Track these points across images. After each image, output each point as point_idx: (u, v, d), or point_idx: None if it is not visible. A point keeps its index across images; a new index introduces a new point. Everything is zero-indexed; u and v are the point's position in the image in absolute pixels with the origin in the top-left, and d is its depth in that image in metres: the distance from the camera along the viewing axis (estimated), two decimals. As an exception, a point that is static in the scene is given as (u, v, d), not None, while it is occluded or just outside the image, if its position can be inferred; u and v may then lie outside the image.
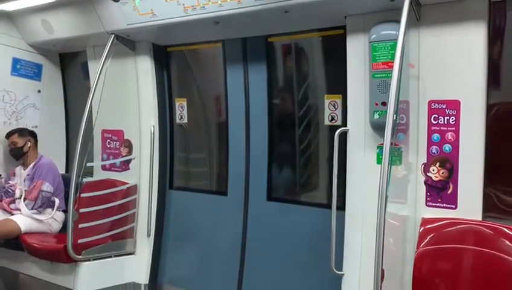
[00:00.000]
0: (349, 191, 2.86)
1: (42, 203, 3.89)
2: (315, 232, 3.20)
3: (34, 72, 4.48)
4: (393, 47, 2.33)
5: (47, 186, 3.94)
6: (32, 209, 3.85)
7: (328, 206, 2.91)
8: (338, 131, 2.83)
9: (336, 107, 3.19)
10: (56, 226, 3.95)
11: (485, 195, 2.46)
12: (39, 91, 4.53)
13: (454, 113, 2.47)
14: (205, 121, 4.07)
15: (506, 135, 2.62)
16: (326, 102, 3.24)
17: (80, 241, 3.44)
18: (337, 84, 3.12)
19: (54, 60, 4.64)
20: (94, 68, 3.80)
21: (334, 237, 2.79)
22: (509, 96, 2.67)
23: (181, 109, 3.98)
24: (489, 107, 2.49)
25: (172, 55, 4.02)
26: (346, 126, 2.86)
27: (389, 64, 2.47)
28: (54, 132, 4.65)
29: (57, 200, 3.96)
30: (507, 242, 2.28)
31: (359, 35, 2.75)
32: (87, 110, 3.46)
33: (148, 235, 3.81)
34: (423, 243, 2.44)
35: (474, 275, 2.31)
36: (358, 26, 2.75)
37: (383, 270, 2.08)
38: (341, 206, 2.87)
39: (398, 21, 2.27)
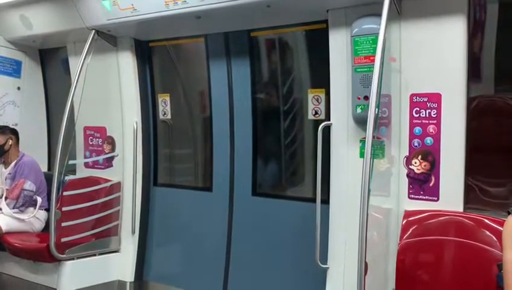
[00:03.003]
0: (333, 184, 2.87)
1: (24, 202, 3.84)
2: (300, 226, 3.21)
3: (13, 69, 4.40)
4: (375, 41, 2.33)
5: (29, 185, 3.88)
6: (13, 208, 3.79)
7: (313, 200, 2.92)
8: (321, 125, 2.84)
9: (320, 101, 3.20)
10: (38, 225, 3.89)
11: (467, 186, 2.50)
12: (19, 88, 4.46)
13: (436, 107, 2.49)
14: (189, 116, 4.04)
15: (487, 127, 2.66)
16: (310, 96, 3.24)
17: (63, 240, 3.41)
18: (321, 78, 3.12)
19: (33, 56, 4.56)
20: (75, 64, 3.74)
21: (319, 230, 2.81)
22: (490, 89, 2.71)
23: (164, 105, 3.95)
24: (470, 100, 2.51)
25: (154, 50, 3.97)
26: (329, 120, 2.87)
27: (371, 58, 2.47)
28: (35, 129, 4.59)
29: (39, 199, 3.90)
30: (487, 233, 2.31)
31: (341, 29, 2.75)
32: (68, 107, 3.43)
33: (133, 232, 3.79)
34: (406, 235, 2.47)
35: (456, 266, 2.35)
36: (340, 20, 2.75)
37: (366, 263, 2.10)
38: (326, 200, 2.89)
39: (380, 15, 2.28)
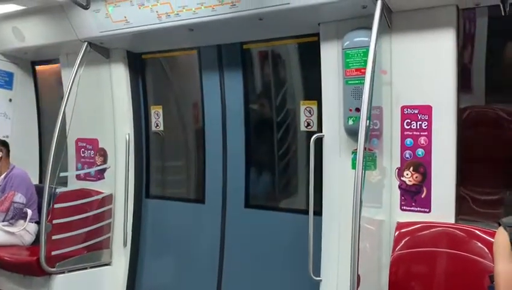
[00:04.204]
0: (326, 196, 2.87)
1: (14, 215, 3.80)
2: (293, 238, 3.20)
3: (5, 81, 4.39)
4: (366, 54, 2.36)
5: (19, 197, 3.84)
6: (3, 221, 3.75)
7: (306, 211, 2.91)
8: (313, 137, 2.84)
9: (312, 113, 3.21)
10: (28, 238, 3.85)
11: (459, 197, 2.51)
12: (10, 100, 4.44)
13: (427, 118, 2.50)
14: (181, 128, 4.04)
15: (478, 138, 2.68)
16: (302, 108, 3.26)
17: (53, 253, 3.37)
18: (313, 90, 3.14)
19: (25, 68, 4.55)
20: (67, 76, 3.72)
21: (312, 242, 2.80)
22: (480, 100, 2.74)
23: (157, 117, 3.94)
24: (461, 111, 2.54)
25: (147, 63, 3.98)
26: (321, 132, 2.88)
27: (362, 70, 2.49)
28: (27, 141, 4.56)
29: (29, 212, 3.86)
30: (479, 244, 2.32)
31: (333, 42, 2.77)
32: (60, 119, 3.41)
33: (125, 245, 3.75)
34: (398, 247, 2.47)
35: (448, 278, 2.34)
36: (331, 33, 2.78)
37: (358, 276, 2.10)
38: (318, 212, 2.88)
39: (371, 28, 2.31)
